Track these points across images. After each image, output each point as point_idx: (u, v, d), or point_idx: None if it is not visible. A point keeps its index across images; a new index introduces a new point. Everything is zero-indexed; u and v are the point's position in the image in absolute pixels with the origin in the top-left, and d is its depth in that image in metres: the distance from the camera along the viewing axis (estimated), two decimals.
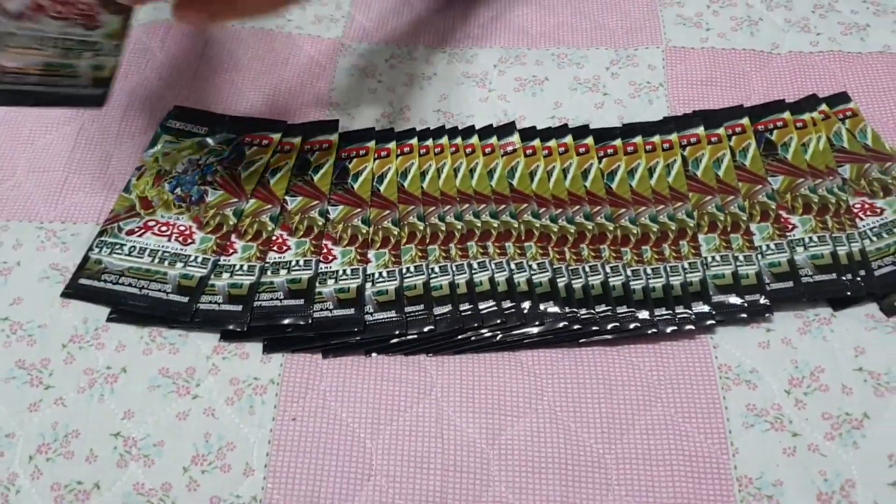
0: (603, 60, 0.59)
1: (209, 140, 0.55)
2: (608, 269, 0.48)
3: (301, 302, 0.47)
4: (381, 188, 0.52)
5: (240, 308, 0.47)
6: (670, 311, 0.47)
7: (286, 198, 0.52)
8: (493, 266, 0.48)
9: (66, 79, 0.44)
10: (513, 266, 0.48)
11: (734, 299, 0.47)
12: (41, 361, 0.46)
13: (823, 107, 0.56)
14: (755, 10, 0.62)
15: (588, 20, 0.62)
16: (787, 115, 0.55)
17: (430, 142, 0.54)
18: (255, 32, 0.62)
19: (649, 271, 0.49)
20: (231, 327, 0.47)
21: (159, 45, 0.61)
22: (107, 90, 0.45)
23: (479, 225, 0.50)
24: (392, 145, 0.54)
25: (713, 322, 0.46)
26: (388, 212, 0.51)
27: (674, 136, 0.54)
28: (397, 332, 0.46)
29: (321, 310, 0.47)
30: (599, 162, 0.53)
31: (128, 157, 0.55)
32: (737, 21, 0.61)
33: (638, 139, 0.54)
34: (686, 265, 0.49)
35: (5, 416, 0.44)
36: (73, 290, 0.49)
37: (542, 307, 0.47)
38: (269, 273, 0.49)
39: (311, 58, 0.60)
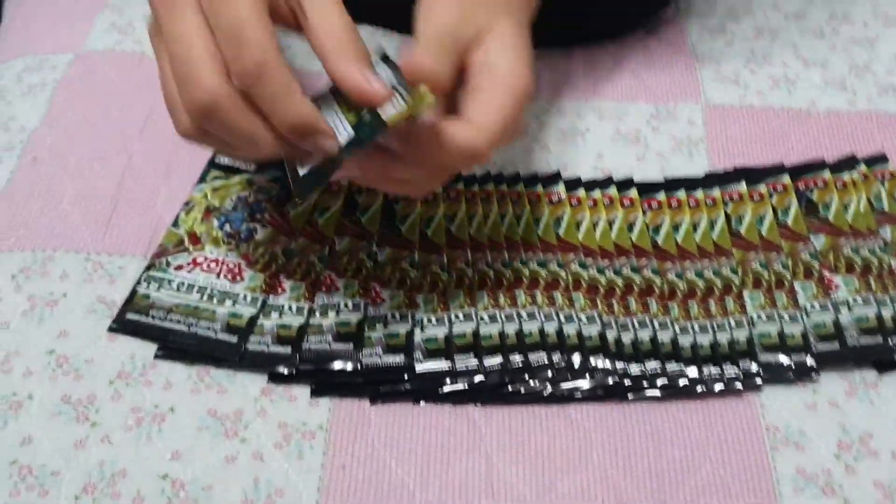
0: (643, 114, 0.60)
1: (258, 177, 0.55)
2: (657, 324, 0.49)
3: (350, 346, 0.47)
4: (429, 232, 0.53)
5: (289, 350, 0.47)
6: (718, 369, 0.47)
7: (334, 238, 0.52)
8: (543, 316, 0.49)
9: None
10: (562, 317, 0.49)
11: (781, 358, 0.47)
12: (88, 397, 0.46)
13: (862, 167, 0.57)
14: (792, 69, 0.64)
15: (628, 74, 0.63)
16: (827, 174, 0.56)
17: (475, 187, 0.55)
18: (315, 72, 0.62)
19: (696, 327, 0.49)
20: (280, 369, 0.47)
21: None
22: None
23: (528, 273, 0.50)
24: (438, 190, 0.55)
25: (760, 381, 0.47)
26: (435, 256, 0.52)
27: (717, 193, 0.55)
28: (447, 382, 0.46)
29: (370, 355, 0.47)
30: (644, 215, 0.54)
31: (176, 192, 0.55)
32: (774, 80, 0.62)
33: (682, 194, 0.55)
34: (732, 322, 0.49)
35: (51, 453, 0.44)
36: (121, 325, 0.48)
37: (592, 361, 0.47)
38: (317, 314, 0.49)
39: None
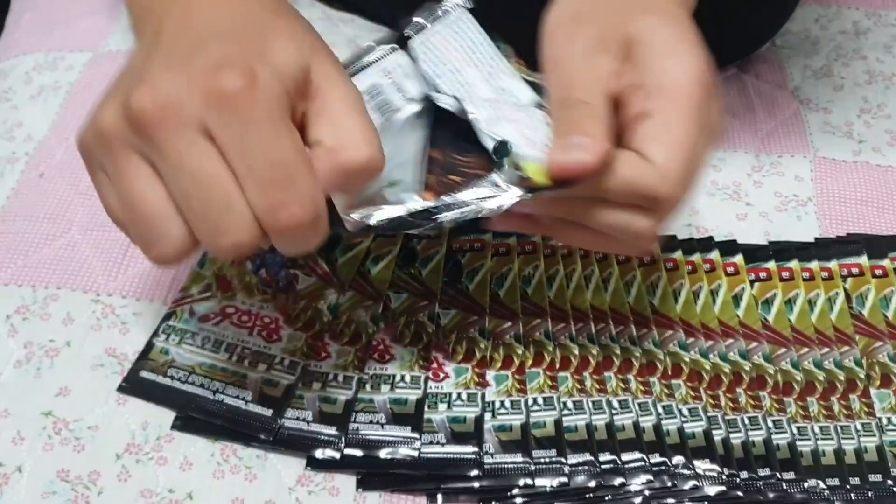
0: (744, 165, 0.53)
1: None
2: (770, 424, 0.41)
3: (408, 430, 0.40)
4: (501, 293, 0.45)
5: (333, 430, 0.39)
6: (844, 483, 0.40)
7: (389, 293, 0.45)
8: (637, 406, 0.41)
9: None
10: (660, 409, 0.41)
11: None
12: (89, 475, 0.38)
13: None
14: None
15: (727, 115, 0.56)
16: None
17: (555, 242, 0.47)
18: None
19: (817, 429, 0.41)
20: (321, 453, 0.39)
21: None
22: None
23: (619, 352, 0.43)
24: (513, 241, 0.47)
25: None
26: (509, 324, 0.44)
27: (833, 265, 0.47)
28: (522, 483, 0.39)
29: (431, 442, 0.39)
30: (751, 287, 0.46)
31: None
32: (892, 135, 0.55)
33: (794, 264, 0.47)
34: (859, 426, 0.42)
35: None
36: (133, 385, 0.40)
37: (697, 465, 0.39)
38: (367, 388, 0.41)
39: None
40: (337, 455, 0.39)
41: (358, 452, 0.39)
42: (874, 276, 0.47)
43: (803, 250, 0.48)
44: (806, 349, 0.44)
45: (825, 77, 0.59)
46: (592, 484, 0.39)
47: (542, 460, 0.39)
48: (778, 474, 0.40)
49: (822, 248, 0.48)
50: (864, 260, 0.48)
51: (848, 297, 0.46)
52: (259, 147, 0.29)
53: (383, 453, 0.39)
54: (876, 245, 0.49)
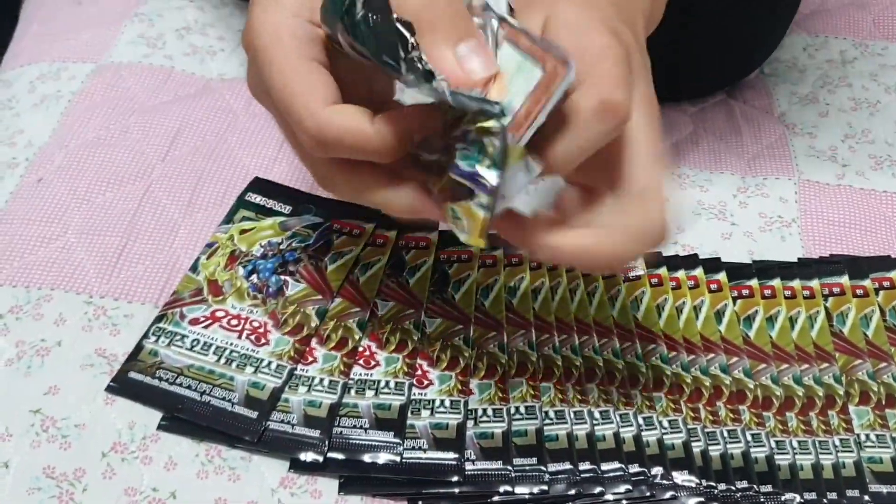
0: (729, 186, 0.54)
1: (293, 221, 0.48)
2: (749, 437, 0.42)
3: (391, 436, 0.40)
4: (487, 303, 0.46)
5: (317, 433, 0.40)
6: (821, 497, 0.40)
7: (376, 301, 0.45)
8: (619, 417, 0.41)
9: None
10: (641, 420, 0.41)
11: None
12: (75, 472, 0.38)
13: None
14: None
15: (713, 138, 0.57)
16: None
17: None
18: None
19: (795, 444, 0.42)
20: (305, 456, 0.39)
21: (244, 105, 0.55)
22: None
23: (602, 364, 0.43)
24: (499, 253, 0.48)
25: None
26: (493, 333, 0.44)
27: (815, 283, 0.48)
28: (502, 490, 0.39)
29: (413, 448, 0.40)
30: (734, 304, 0.47)
31: (198, 230, 0.48)
32: (876, 160, 0.56)
33: (776, 282, 0.48)
34: (837, 441, 0.42)
35: None
36: (121, 385, 0.41)
37: (674, 476, 0.40)
38: (352, 392, 0.42)
39: None
40: (320, 458, 0.39)
41: (341, 456, 0.40)
42: (855, 295, 0.48)
43: (786, 269, 0.49)
44: (786, 365, 0.45)
45: (811, 103, 0.60)
46: (572, 492, 0.39)
47: (523, 468, 0.39)
48: (755, 487, 0.40)
49: (805, 268, 0.49)
50: (845, 280, 0.48)
51: (829, 316, 0.47)
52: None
53: (366, 457, 0.39)
54: (858, 266, 0.49)
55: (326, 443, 0.40)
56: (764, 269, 0.49)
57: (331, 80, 0.33)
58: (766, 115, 0.59)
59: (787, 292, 0.48)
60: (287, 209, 0.49)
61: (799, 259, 0.50)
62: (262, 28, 0.33)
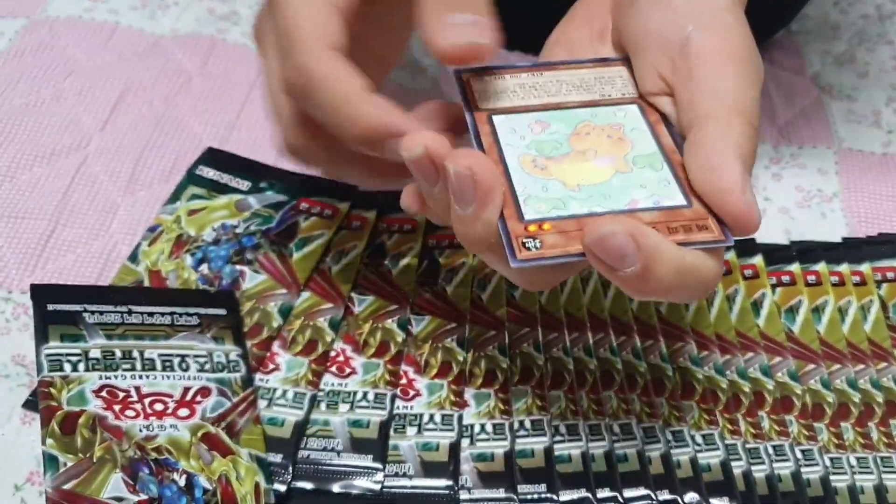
0: (761, 156, 0.47)
1: (252, 200, 0.41)
2: (799, 454, 0.35)
3: (369, 459, 0.33)
4: (484, 297, 0.39)
5: (279, 458, 0.33)
6: None
7: (353, 295, 0.38)
8: (642, 432, 0.35)
9: None
10: (669, 435, 0.35)
11: None
12: None
13: None
14: None
15: None
16: None
17: None
18: None
19: (853, 461, 0.35)
20: (265, 485, 0.33)
21: (198, 66, 0.47)
22: None
23: (620, 367, 0.37)
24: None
25: None
26: (492, 333, 0.38)
27: (866, 268, 0.42)
28: None
29: (397, 474, 0.33)
30: (773, 292, 0.40)
31: (140, 212, 0.41)
32: None
33: (821, 267, 0.41)
34: None
35: None
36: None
37: (713, 503, 0.33)
38: (322, 407, 0.35)
39: None
40: (282, 488, 0.32)
41: (308, 485, 0.33)
42: None
43: (831, 251, 0.42)
44: (838, 366, 0.38)
45: (848, 63, 0.53)
46: None
47: (530, 497, 0.33)
48: None
49: (852, 249, 0.43)
50: None
51: (884, 306, 0.40)
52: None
53: (338, 486, 0.33)
54: None
55: (291, 469, 0.33)
56: (805, 252, 0.42)
57: (343, 30, 0.30)
58: (797, 77, 0.52)
59: (835, 278, 0.41)
60: (245, 185, 0.42)
61: (844, 239, 0.44)
62: None
